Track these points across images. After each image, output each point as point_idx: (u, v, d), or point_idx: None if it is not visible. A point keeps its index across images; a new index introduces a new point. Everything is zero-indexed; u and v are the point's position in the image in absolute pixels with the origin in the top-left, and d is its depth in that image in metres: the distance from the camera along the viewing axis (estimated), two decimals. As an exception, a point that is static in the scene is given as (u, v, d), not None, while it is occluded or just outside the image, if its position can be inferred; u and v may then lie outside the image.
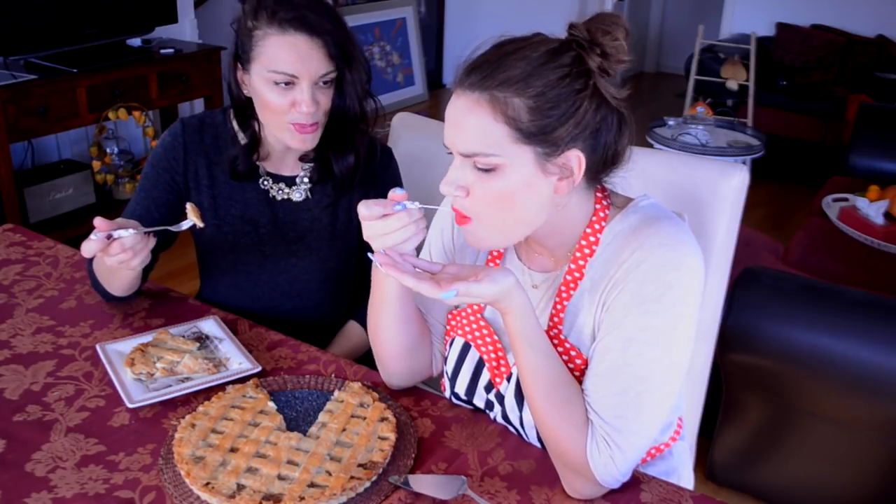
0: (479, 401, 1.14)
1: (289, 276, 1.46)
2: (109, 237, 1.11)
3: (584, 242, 1.03)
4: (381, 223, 0.97)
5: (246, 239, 1.44)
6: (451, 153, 0.97)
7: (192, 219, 1.19)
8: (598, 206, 1.03)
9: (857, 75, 4.65)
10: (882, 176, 3.28)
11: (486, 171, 0.93)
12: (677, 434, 1.18)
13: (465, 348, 1.13)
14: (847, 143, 3.61)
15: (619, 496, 1.00)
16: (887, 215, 2.71)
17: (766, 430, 1.99)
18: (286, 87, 1.26)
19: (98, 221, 1.11)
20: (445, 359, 1.17)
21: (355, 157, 1.40)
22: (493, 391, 1.11)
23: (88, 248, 1.10)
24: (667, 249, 0.95)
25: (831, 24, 4.95)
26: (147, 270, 1.39)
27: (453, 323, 1.15)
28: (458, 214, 0.98)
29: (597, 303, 1.00)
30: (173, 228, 1.23)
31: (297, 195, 1.43)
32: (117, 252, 1.12)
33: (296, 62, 1.24)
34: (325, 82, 1.28)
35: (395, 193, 0.96)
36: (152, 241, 1.18)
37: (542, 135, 0.91)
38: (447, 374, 1.17)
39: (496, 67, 0.91)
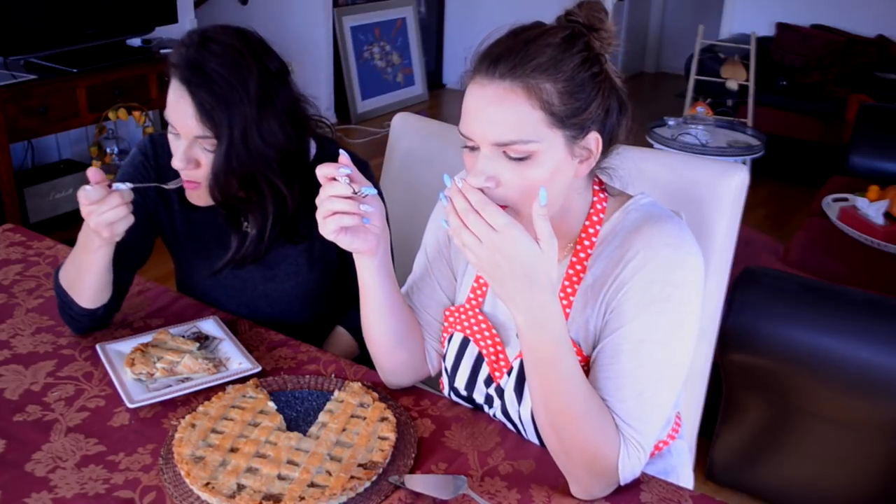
0: (479, 396, 1.14)
1: (269, 300, 1.43)
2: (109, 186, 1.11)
3: (583, 235, 1.04)
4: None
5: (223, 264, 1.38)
6: (468, 146, 0.96)
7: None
8: (595, 199, 1.05)
9: (857, 75, 4.65)
10: (882, 176, 3.28)
11: (520, 159, 0.92)
12: (675, 431, 1.19)
13: (464, 343, 1.14)
14: (847, 143, 3.61)
15: (619, 496, 1.00)
16: (887, 215, 2.71)
17: (766, 430, 1.99)
18: (175, 136, 1.20)
19: (93, 172, 1.10)
20: (444, 356, 1.17)
21: (243, 234, 1.30)
22: (493, 385, 1.11)
23: (90, 194, 1.09)
24: (672, 250, 0.97)
25: (831, 24, 4.95)
26: (114, 304, 1.32)
27: (451, 319, 1.16)
28: None
29: (599, 300, 1.01)
30: (166, 186, 1.24)
31: (253, 230, 1.32)
32: (117, 203, 1.09)
33: (172, 112, 1.18)
34: (207, 146, 1.19)
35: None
36: (131, 219, 1.14)
37: (572, 117, 0.93)
38: (446, 369, 1.17)
39: (524, 55, 0.92)
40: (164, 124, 1.30)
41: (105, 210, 1.09)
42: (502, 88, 0.91)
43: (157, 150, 1.37)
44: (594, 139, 0.96)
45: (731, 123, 4.05)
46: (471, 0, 6.09)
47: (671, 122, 3.93)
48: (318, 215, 1.00)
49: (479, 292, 1.14)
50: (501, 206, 0.93)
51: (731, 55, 4.49)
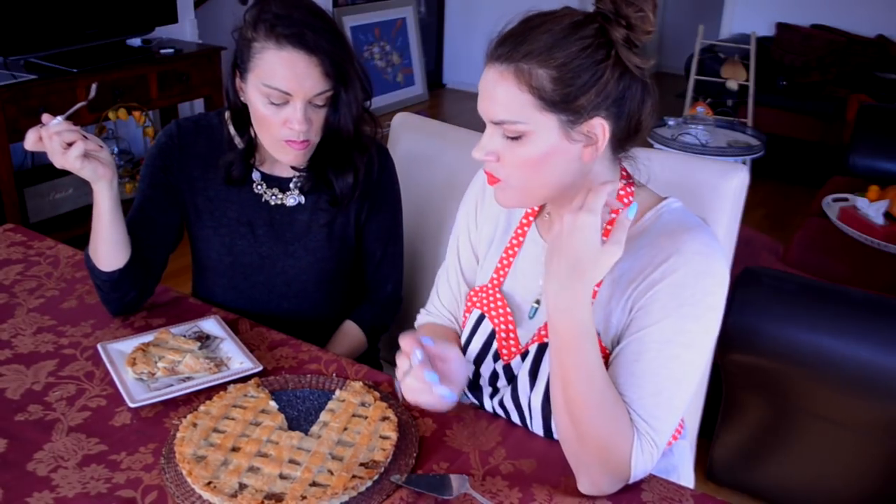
0: (486, 370, 1.16)
1: (286, 277, 1.45)
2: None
3: (609, 228, 1.04)
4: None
5: (243, 241, 1.44)
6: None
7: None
8: (621, 192, 1.05)
9: (857, 75, 4.65)
10: (882, 176, 3.29)
11: (514, 138, 0.97)
12: (678, 431, 1.19)
13: (480, 319, 1.17)
14: (847, 143, 3.61)
15: (620, 495, 1.00)
16: (887, 215, 2.71)
17: (766, 430, 1.99)
18: (279, 106, 1.25)
19: (46, 117, 1.20)
20: (461, 333, 1.20)
21: (354, 176, 1.39)
22: (501, 363, 1.13)
23: (28, 138, 1.19)
24: (703, 258, 0.98)
25: (831, 24, 4.96)
26: (138, 276, 1.37)
27: (475, 299, 1.18)
28: (490, 176, 1.03)
29: (626, 297, 1.02)
30: (86, 101, 1.30)
31: (291, 200, 1.43)
32: (72, 133, 1.19)
33: (291, 79, 1.23)
34: (319, 101, 1.27)
35: None
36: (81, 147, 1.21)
37: (564, 103, 0.94)
38: (462, 341, 1.19)
39: (522, 41, 0.95)
40: (165, 124, 1.34)
41: (66, 134, 1.19)
42: (497, 71, 0.96)
43: (181, 133, 1.44)
44: (599, 125, 0.96)
45: (731, 123, 4.06)
46: (471, 0, 6.09)
47: (671, 122, 3.93)
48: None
49: (501, 273, 1.17)
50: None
51: (731, 55, 4.49)
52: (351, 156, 1.37)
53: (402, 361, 1.02)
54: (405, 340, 1.01)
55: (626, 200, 1.05)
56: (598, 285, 1.04)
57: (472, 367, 1.11)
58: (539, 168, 0.98)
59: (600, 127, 0.97)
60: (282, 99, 1.25)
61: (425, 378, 0.98)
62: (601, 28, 0.95)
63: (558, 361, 0.96)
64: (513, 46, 0.95)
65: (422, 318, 1.32)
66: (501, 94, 0.96)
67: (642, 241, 1.02)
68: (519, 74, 0.94)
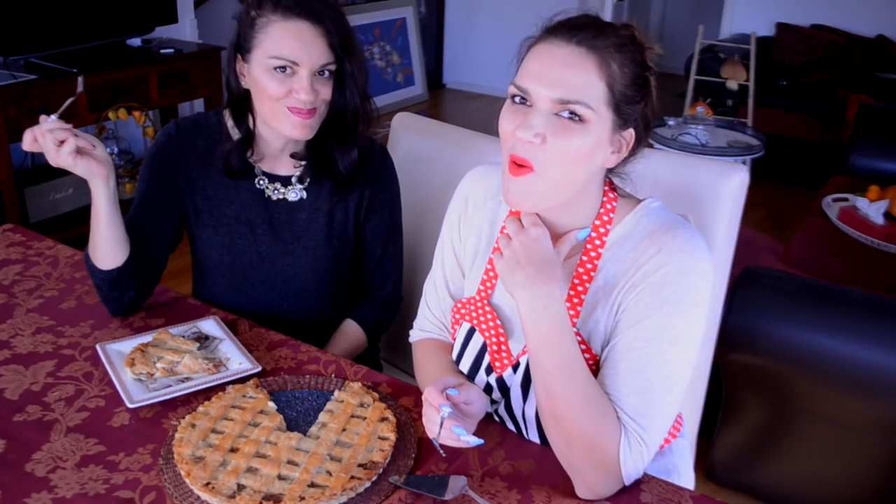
0: (480, 384, 1.15)
1: (285, 277, 1.45)
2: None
3: (594, 234, 1.05)
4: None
5: (242, 240, 1.43)
6: (517, 99, 0.98)
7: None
8: (605, 199, 1.06)
9: (857, 75, 4.65)
10: (882, 176, 3.29)
11: (573, 123, 0.95)
12: (676, 430, 1.19)
13: (470, 332, 1.16)
14: (847, 143, 3.61)
15: (619, 496, 1.00)
16: (887, 215, 2.71)
17: (766, 430, 1.99)
18: (285, 75, 1.27)
19: (43, 118, 1.23)
20: (453, 347, 1.19)
21: (358, 153, 1.40)
22: (494, 375, 1.12)
23: (25, 138, 1.22)
24: (685, 255, 0.99)
25: (831, 24, 4.96)
26: (138, 273, 1.37)
27: (462, 311, 1.17)
28: (516, 165, 0.97)
29: (611, 303, 1.02)
30: (76, 95, 1.33)
31: (293, 195, 1.43)
32: (63, 131, 1.22)
33: (298, 48, 1.25)
34: (324, 73, 1.29)
35: None
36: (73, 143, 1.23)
37: (625, 104, 0.97)
38: (453, 357, 1.18)
39: (601, 32, 0.96)
40: (165, 124, 1.34)
41: (59, 131, 1.23)
42: (577, 54, 0.95)
43: (180, 133, 1.44)
44: (630, 135, 1.00)
45: (731, 123, 4.06)
46: (471, 0, 6.09)
47: (671, 122, 3.93)
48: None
49: (488, 285, 1.16)
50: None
51: (731, 55, 4.49)
52: (354, 131, 1.38)
53: (431, 413, 1.01)
54: (432, 395, 1.00)
55: (608, 206, 1.06)
56: (584, 293, 1.05)
57: (488, 399, 1.10)
58: (579, 161, 0.97)
59: (631, 137, 1.00)
60: (287, 65, 1.26)
61: (454, 432, 0.99)
62: (643, 49, 0.98)
63: (539, 363, 0.97)
64: (596, 34, 0.96)
65: (415, 335, 1.29)
66: (580, 76, 0.95)
67: (625, 246, 1.03)
68: (601, 63, 0.95)
